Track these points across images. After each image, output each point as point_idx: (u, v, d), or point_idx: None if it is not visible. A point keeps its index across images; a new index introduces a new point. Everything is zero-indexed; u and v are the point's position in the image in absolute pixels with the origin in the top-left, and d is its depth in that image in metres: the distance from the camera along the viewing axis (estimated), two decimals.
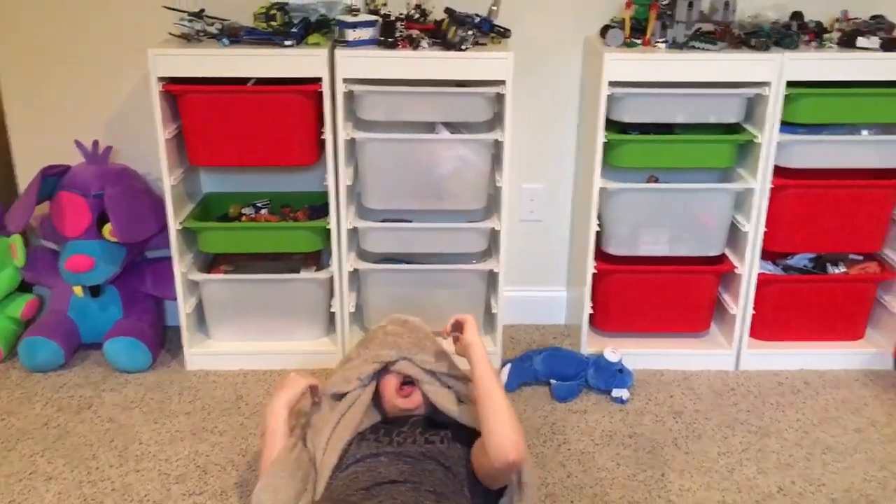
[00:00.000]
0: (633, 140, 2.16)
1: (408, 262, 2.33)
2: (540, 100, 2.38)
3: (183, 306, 2.26)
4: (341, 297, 2.28)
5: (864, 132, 2.20)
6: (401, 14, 2.09)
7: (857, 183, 2.20)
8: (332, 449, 1.68)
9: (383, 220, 2.33)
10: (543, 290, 2.59)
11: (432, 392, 1.85)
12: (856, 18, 2.22)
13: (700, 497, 1.84)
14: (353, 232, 2.27)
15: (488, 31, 2.13)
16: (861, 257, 2.39)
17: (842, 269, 2.36)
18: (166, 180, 2.13)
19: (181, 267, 2.23)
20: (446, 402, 1.87)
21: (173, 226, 2.18)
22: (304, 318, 2.34)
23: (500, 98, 2.10)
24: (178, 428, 2.07)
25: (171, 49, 2.03)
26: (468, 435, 1.77)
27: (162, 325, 2.49)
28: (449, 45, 2.04)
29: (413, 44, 2.06)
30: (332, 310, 2.31)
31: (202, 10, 2.13)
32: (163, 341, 2.45)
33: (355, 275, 2.34)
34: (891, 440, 2.05)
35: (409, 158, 2.16)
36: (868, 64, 2.06)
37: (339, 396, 1.89)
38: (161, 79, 2.05)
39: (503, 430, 1.49)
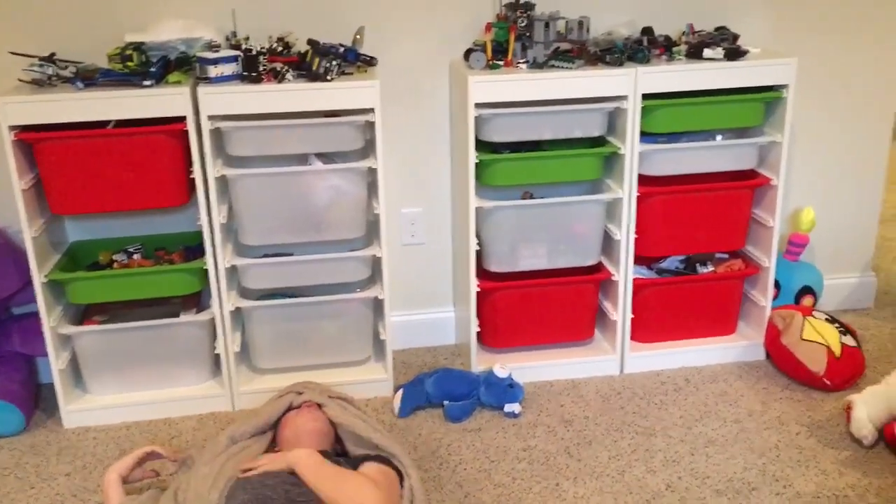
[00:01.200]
0: (504, 159, 2.21)
1: (292, 297, 2.30)
2: (411, 125, 2.40)
3: (55, 362, 2.15)
4: (225, 338, 2.22)
5: (719, 137, 2.33)
6: (263, 48, 2.07)
7: (717, 186, 2.32)
8: (215, 488, 1.66)
9: (263, 256, 2.29)
10: (432, 313, 2.60)
11: (337, 415, 1.92)
12: (701, 31, 2.35)
13: (594, 502, 1.89)
14: (233, 270, 2.22)
15: (354, 60, 2.14)
16: (727, 255, 2.51)
17: (710, 267, 2.47)
18: (27, 232, 2.03)
19: (50, 321, 2.12)
20: (353, 423, 1.91)
21: (38, 279, 2.08)
22: (188, 362, 2.27)
23: (370, 126, 2.11)
24: (57, 491, 1.96)
25: (21, 96, 1.95)
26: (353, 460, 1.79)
27: (35, 383, 2.36)
28: (314, 77, 2.04)
29: (277, 77, 2.05)
30: (216, 351, 2.25)
31: (53, 54, 2.05)
32: (36, 401, 2.32)
33: (238, 313, 2.29)
34: (766, 428, 2.16)
35: (284, 192, 2.14)
36: (715, 73, 2.18)
37: (235, 440, 1.88)
38: (13, 127, 1.96)
39: (347, 500, 1.58)
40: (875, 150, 2.60)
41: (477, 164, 2.20)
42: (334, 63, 2.05)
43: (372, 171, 2.17)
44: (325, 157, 2.21)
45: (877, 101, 2.55)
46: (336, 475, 1.64)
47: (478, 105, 2.13)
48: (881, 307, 2.72)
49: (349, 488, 1.61)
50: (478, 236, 2.30)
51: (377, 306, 2.32)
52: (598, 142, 2.31)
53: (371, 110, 2.08)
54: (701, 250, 2.43)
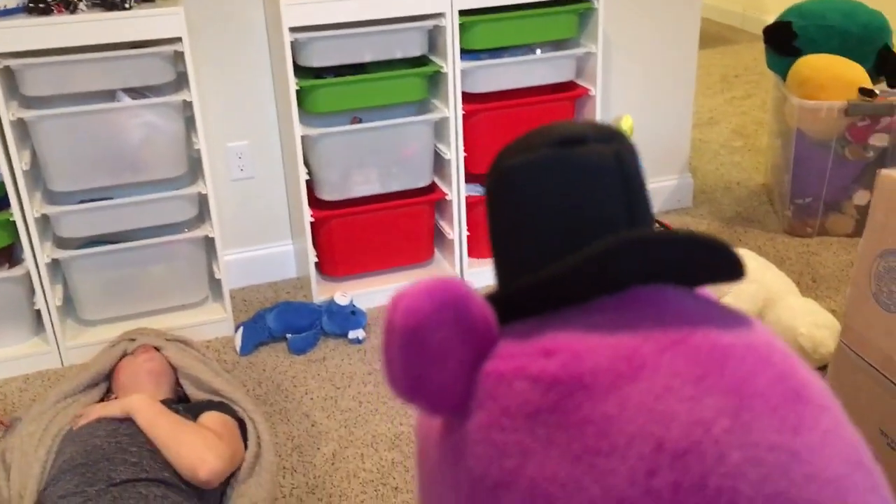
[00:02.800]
0: (325, 84, 2.16)
1: (114, 243, 2.18)
2: (228, 54, 2.30)
3: None
4: (44, 292, 2.09)
5: (538, 51, 2.37)
6: None
7: (539, 99, 2.37)
8: (42, 445, 1.59)
9: (80, 202, 2.16)
10: (269, 247, 2.55)
11: (176, 357, 1.88)
12: None
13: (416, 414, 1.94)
14: (45, 220, 2.08)
15: None
16: None
17: None
18: None
19: None
20: (193, 366, 1.87)
21: None
22: (7, 321, 2.13)
23: (180, 56, 2.00)
24: None
25: None
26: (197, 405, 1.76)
27: None
28: (110, 6, 1.90)
29: (69, 7, 1.89)
30: (36, 307, 2.12)
31: None
32: None
33: (57, 265, 2.16)
34: None
35: (91, 132, 2.00)
36: None
37: (66, 396, 1.80)
38: None
39: (186, 454, 1.53)
40: (685, 57, 2.72)
41: (299, 90, 2.14)
42: None
43: (188, 105, 2.06)
44: (136, 93, 2.09)
45: (685, 10, 2.67)
46: (175, 426, 1.58)
47: (293, 29, 2.06)
48: (698, 205, 2.90)
49: (189, 441, 1.55)
50: (308, 165, 2.26)
51: (209, 245, 2.25)
52: (420, 62, 2.29)
53: (178, 39, 1.96)
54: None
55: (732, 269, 0.57)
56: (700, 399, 0.50)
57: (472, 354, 0.56)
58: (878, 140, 2.47)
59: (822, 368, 1.87)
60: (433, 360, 0.54)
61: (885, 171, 1.03)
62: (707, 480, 0.47)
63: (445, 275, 0.55)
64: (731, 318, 0.56)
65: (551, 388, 0.52)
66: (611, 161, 0.61)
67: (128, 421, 1.60)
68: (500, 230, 0.65)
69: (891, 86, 2.61)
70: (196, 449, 1.54)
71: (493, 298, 0.60)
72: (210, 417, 1.70)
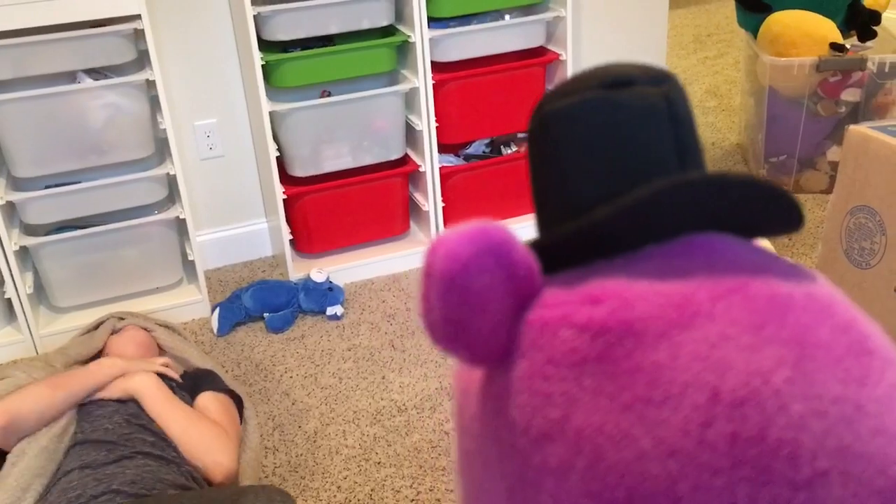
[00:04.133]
0: (291, 58, 2.12)
1: (84, 227, 2.15)
2: (191, 30, 2.25)
3: None
4: (14, 281, 2.06)
5: (507, 17, 2.34)
6: None
7: (509, 66, 2.34)
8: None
9: (46, 188, 2.11)
10: (243, 226, 2.52)
11: (167, 340, 1.87)
12: None
13: (419, 388, 1.94)
14: (11, 207, 2.04)
15: None
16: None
17: (514, 148, 2.53)
18: None
19: None
20: (185, 350, 1.85)
21: None
22: None
23: (141, 35, 1.96)
24: None
25: None
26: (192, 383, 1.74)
27: None
28: None
29: None
30: (6, 296, 2.08)
31: None
32: None
33: (26, 253, 2.12)
34: None
35: (52, 115, 1.96)
36: None
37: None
38: None
39: (201, 455, 1.51)
40: (655, 17, 2.70)
41: (265, 65, 2.10)
42: None
43: (152, 84, 2.02)
44: (98, 73, 2.04)
45: None
46: (185, 418, 1.55)
47: (255, 2, 2.01)
48: None
49: (201, 440, 1.53)
50: (278, 141, 2.22)
51: (181, 226, 2.22)
52: (388, 31, 2.26)
53: (138, 17, 1.92)
54: (503, 132, 2.47)
55: (791, 217, 0.54)
56: (759, 348, 0.47)
57: (515, 302, 0.53)
58: (850, 95, 2.47)
59: None
60: (474, 308, 0.51)
61: (853, 127, 1.02)
62: (767, 432, 0.45)
63: (487, 221, 0.52)
64: (791, 269, 0.53)
65: (599, 336, 0.50)
66: (660, 103, 0.58)
67: (132, 403, 1.58)
68: (543, 177, 0.62)
69: (861, 40, 2.60)
70: (211, 451, 1.52)
71: (537, 246, 0.57)
72: (208, 399, 1.66)
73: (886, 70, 2.42)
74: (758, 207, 0.54)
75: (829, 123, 2.53)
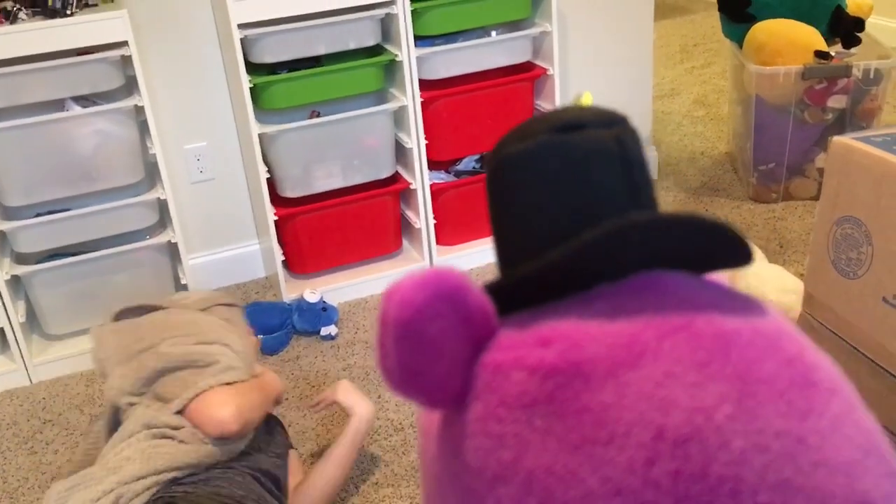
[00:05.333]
0: (279, 80, 2.13)
1: (75, 255, 2.14)
2: (179, 55, 2.25)
3: None
4: (6, 309, 2.05)
5: (494, 33, 2.35)
6: None
7: (497, 82, 2.35)
8: None
9: (37, 216, 2.11)
10: (236, 248, 2.52)
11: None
12: None
13: (415, 406, 1.93)
14: (3, 236, 2.04)
15: None
16: None
17: None
18: None
19: None
20: None
21: None
22: None
23: (128, 60, 1.96)
24: None
25: None
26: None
27: None
28: (51, 13, 1.86)
29: (9, 17, 1.85)
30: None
31: None
32: None
33: (18, 281, 2.11)
34: None
35: (42, 143, 1.96)
36: None
37: None
38: None
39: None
40: (641, 29, 2.71)
41: (253, 88, 2.10)
42: None
43: (140, 110, 2.03)
44: (86, 101, 2.04)
45: None
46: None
47: (241, 26, 2.02)
48: (664, 177, 2.90)
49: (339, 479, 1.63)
50: (268, 163, 2.23)
51: (173, 250, 2.22)
52: (375, 51, 2.27)
53: (125, 43, 1.92)
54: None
55: (740, 253, 0.54)
56: (703, 385, 0.48)
57: (470, 346, 0.54)
58: (836, 102, 2.48)
59: None
60: (429, 354, 0.52)
61: (836, 138, 1.02)
62: (709, 469, 0.45)
63: (441, 267, 0.52)
64: (739, 303, 0.54)
65: (548, 378, 0.50)
66: (611, 146, 0.59)
67: None
68: (500, 218, 0.63)
69: (846, 47, 2.62)
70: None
71: (494, 288, 0.57)
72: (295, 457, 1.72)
73: (871, 76, 2.44)
74: (705, 245, 0.55)
75: (817, 130, 2.54)
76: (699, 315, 0.52)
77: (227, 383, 1.43)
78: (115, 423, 1.49)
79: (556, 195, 0.59)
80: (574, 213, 0.59)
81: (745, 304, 0.54)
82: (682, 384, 0.48)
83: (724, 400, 0.47)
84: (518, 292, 0.57)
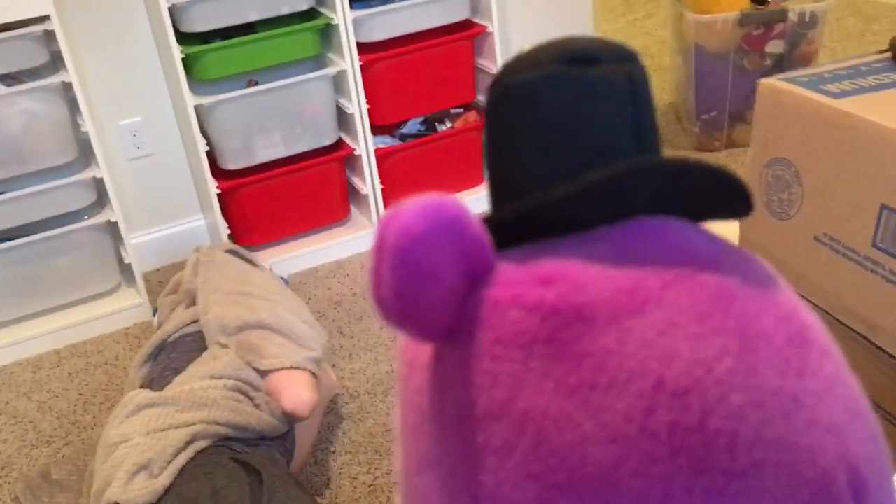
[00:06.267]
0: (211, 49, 2.07)
1: (12, 239, 2.08)
2: (106, 27, 2.18)
3: None
4: None
5: None
6: None
7: (438, 41, 2.32)
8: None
9: None
10: (180, 224, 2.48)
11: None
12: None
13: (370, 373, 1.93)
14: None
15: None
16: (461, 109, 2.56)
17: (448, 124, 2.51)
18: None
19: None
20: None
21: None
22: None
23: (52, 36, 1.89)
24: None
25: None
26: None
27: None
28: None
29: None
30: None
31: None
32: None
33: None
34: None
35: None
36: None
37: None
38: None
39: None
40: None
41: (185, 58, 2.05)
42: None
43: (69, 86, 1.96)
44: (12, 79, 1.97)
45: None
46: None
47: None
48: None
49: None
50: (207, 135, 2.18)
51: (113, 230, 2.17)
52: (310, 15, 2.22)
53: (47, 17, 1.85)
54: (436, 109, 2.45)
55: (742, 202, 0.54)
56: (704, 337, 0.47)
57: (467, 278, 0.52)
58: (774, 47, 2.50)
59: None
60: (426, 283, 0.50)
61: (764, 80, 1.03)
62: (707, 421, 0.45)
63: (442, 195, 0.51)
64: (738, 257, 0.54)
65: (548, 319, 0.49)
66: (623, 83, 0.56)
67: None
68: (499, 151, 0.61)
69: None
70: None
71: (489, 222, 0.56)
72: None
73: (808, 20, 2.46)
74: (711, 194, 0.54)
75: (756, 77, 2.55)
76: (701, 265, 0.51)
77: (314, 375, 1.51)
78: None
79: (563, 130, 0.57)
80: (579, 151, 0.57)
81: (743, 258, 0.54)
82: (685, 335, 0.48)
83: (725, 354, 0.47)
84: (517, 228, 0.55)
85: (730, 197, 0.54)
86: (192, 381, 1.42)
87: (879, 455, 0.50)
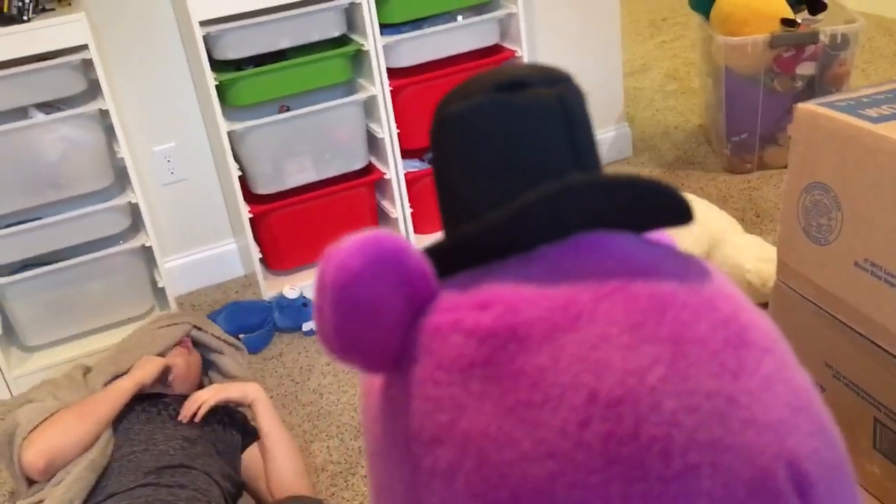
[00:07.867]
0: (245, 76, 2.10)
1: (48, 264, 2.12)
2: (141, 55, 2.22)
3: None
4: None
5: (460, 18, 2.33)
6: None
7: (467, 66, 2.33)
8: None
9: (7, 227, 2.08)
10: (212, 248, 2.50)
11: (218, 358, 1.93)
12: None
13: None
14: None
15: None
16: None
17: None
18: None
19: None
20: (232, 366, 1.93)
21: None
22: None
23: (89, 64, 1.93)
24: None
25: None
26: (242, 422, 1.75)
27: None
28: (7, 20, 1.82)
29: None
30: None
31: None
32: None
33: None
34: None
35: (7, 153, 1.93)
36: None
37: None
38: None
39: (294, 483, 1.58)
40: (608, 5, 2.70)
41: (219, 85, 2.08)
42: (27, 0, 1.83)
43: (105, 114, 2.00)
44: (50, 107, 2.01)
45: None
46: (291, 441, 1.64)
47: (203, 23, 1.99)
48: (639, 154, 2.90)
49: (298, 457, 1.63)
50: (239, 160, 2.21)
51: (148, 254, 2.19)
52: (341, 42, 2.24)
53: (85, 47, 1.89)
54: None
55: (680, 213, 0.55)
56: (636, 348, 0.48)
57: (409, 309, 0.54)
58: (805, 69, 2.49)
59: None
60: (367, 318, 0.52)
61: (801, 105, 1.02)
62: (640, 430, 0.46)
63: (379, 230, 0.52)
64: (678, 264, 0.54)
65: (485, 342, 0.51)
66: (553, 104, 0.59)
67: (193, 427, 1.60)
68: (443, 179, 0.63)
69: (812, 13, 2.62)
70: (301, 477, 1.60)
71: (436, 250, 0.57)
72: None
73: (839, 41, 2.44)
74: (646, 205, 0.55)
75: (787, 98, 2.54)
76: (636, 277, 0.52)
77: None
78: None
79: (498, 155, 0.59)
80: (516, 174, 0.59)
81: (685, 265, 0.55)
82: (616, 346, 0.49)
83: (656, 362, 0.48)
84: (459, 254, 0.57)
85: (666, 208, 0.55)
86: None
87: (827, 448, 0.50)
